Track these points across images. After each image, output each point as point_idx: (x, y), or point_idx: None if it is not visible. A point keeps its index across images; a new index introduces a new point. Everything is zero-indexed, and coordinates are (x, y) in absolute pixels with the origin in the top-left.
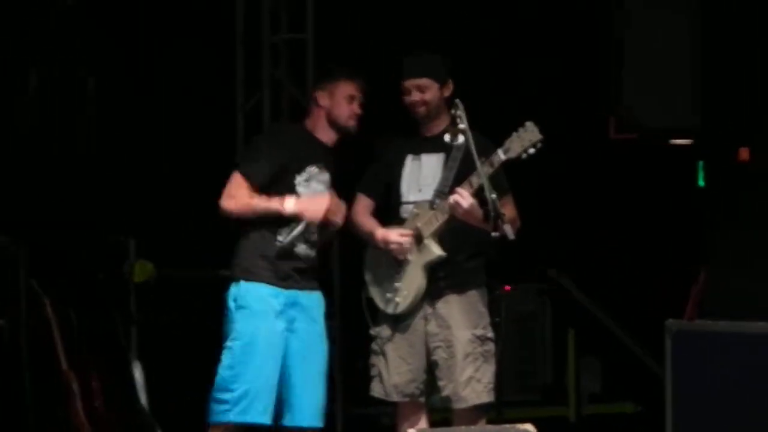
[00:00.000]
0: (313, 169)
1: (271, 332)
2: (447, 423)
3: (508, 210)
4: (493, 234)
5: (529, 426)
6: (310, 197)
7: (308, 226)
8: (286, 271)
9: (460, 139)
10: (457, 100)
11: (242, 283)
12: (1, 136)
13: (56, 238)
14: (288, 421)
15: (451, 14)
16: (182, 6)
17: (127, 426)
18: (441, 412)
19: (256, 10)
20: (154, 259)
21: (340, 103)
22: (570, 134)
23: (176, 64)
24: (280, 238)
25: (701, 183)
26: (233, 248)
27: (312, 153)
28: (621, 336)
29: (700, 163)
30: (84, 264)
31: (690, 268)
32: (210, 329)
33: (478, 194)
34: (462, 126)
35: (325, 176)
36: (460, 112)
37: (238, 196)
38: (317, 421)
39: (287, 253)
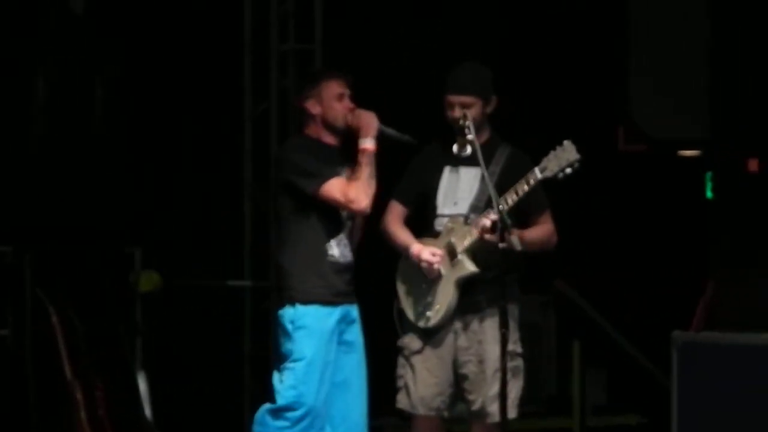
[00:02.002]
0: (342, 173)
1: (328, 351)
2: None
3: (544, 227)
4: (500, 245)
5: None
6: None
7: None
8: (339, 287)
9: (468, 149)
10: (466, 112)
11: (298, 306)
12: (7, 142)
13: (62, 247)
14: None
15: (458, 24)
16: (190, 14)
17: None
18: (458, 423)
19: (265, 19)
20: (160, 268)
21: (331, 106)
22: (578, 144)
23: (184, 73)
24: (331, 252)
25: (709, 194)
26: (277, 261)
27: (333, 160)
28: (626, 347)
29: (708, 175)
30: (90, 273)
31: (697, 279)
32: (215, 339)
33: (511, 209)
34: (470, 137)
35: (351, 171)
36: (469, 123)
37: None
38: None
39: (339, 266)
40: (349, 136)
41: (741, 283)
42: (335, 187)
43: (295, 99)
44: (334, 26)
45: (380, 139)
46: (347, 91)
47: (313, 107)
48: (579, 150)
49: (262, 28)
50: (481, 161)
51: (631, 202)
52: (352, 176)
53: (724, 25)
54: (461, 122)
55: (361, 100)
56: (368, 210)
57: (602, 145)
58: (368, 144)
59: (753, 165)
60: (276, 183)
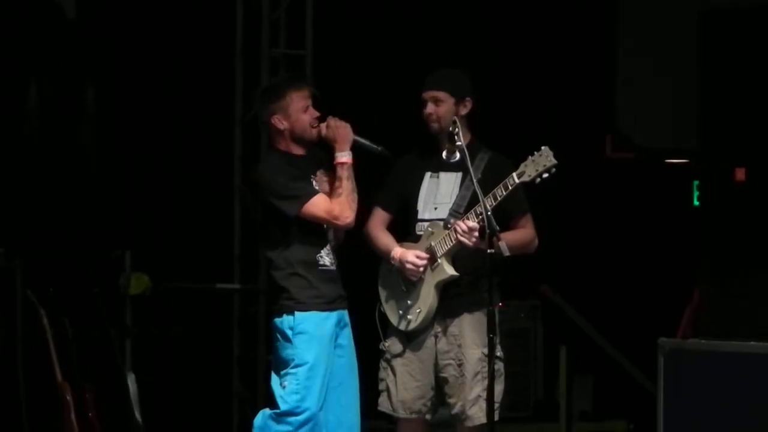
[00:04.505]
0: (314, 181)
1: (328, 356)
2: None
3: (524, 230)
4: (488, 251)
5: None
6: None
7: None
8: (332, 294)
9: (457, 155)
10: (455, 118)
11: (297, 313)
12: None
13: (53, 250)
14: None
15: (447, 32)
16: (182, 18)
17: None
18: (442, 428)
19: (256, 24)
20: (150, 271)
21: (299, 119)
22: (566, 152)
23: (175, 76)
24: (322, 261)
25: (696, 202)
26: (270, 275)
27: (306, 169)
28: (613, 354)
29: (695, 183)
30: (80, 276)
31: (684, 286)
32: (204, 342)
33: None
34: (459, 143)
35: (324, 177)
36: (458, 129)
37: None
38: None
39: (330, 275)
40: (322, 144)
41: (727, 291)
42: (318, 206)
43: (259, 115)
44: (325, 32)
45: (354, 149)
46: (310, 101)
47: (280, 123)
48: (563, 155)
49: (253, 32)
50: (470, 168)
51: (619, 209)
52: (333, 191)
53: (712, 35)
54: (451, 128)
55: (350, 106)
56: (353, 224)
57: (590, 153)
58: (345, 157)
59: (740, 174)
60: (259, 205)
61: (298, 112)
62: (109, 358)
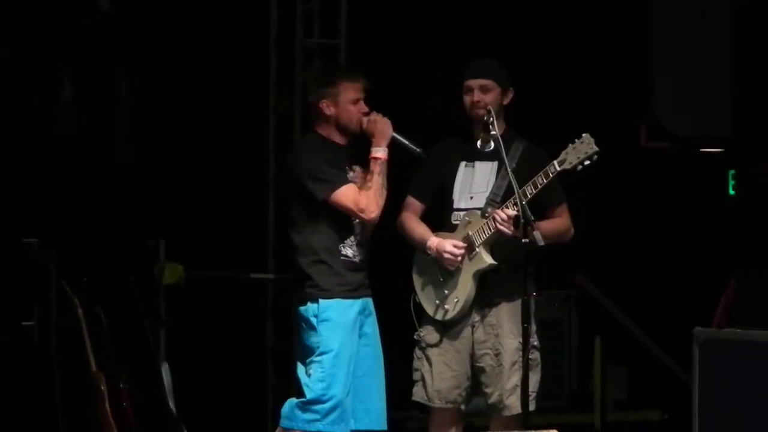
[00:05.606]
0: (350, 174)
1: (352, 343)
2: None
3: (560, 219)
4: (523, 240)
5: None
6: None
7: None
8: (355, 283)
9: (491, 145)
10: (489, 107)
11: (321, 301)
12: (34, 139)
13: (87, 241)
14: (356, 424)
15: (482, 21)
16: (215, 9)
17: (155, 428)
18: (476, 417)
19: (290, 14)
20: (184, 261)
21: (346, 110)
22: (600, 141)
23: (208, 68)
24: (344, 252)
25: (731, 192)
26: (295, 263)
27: (342, 160)
28: (647, 343)
29: (731, 172)
30: (114, 266)
31: (719, 276)
32: (238, 332)
33: (529, 202)
34: (493, 132)
35: (358, 170)
36: (492, 119)
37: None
38: (383, 425)
39: (353, 265)
40: (361, 139)
41: (763, 280)
42: (347, 196)
43: (308, 94)
44: (359, 22)
45: (393, 147)
46: (363, 95)
47: (328, 108)
48: (598, 144)
49: (287, 23)
50: (505, 157)
51: (653, 198)
52: (363, 184)
53: (746, 24)
54: (485, 118)
55: (384, 96)
56: (377, 220)
57: (624, 142)
58: (381, 153)
59: None
60: (289, 187)
61: (347, 102)
62: (143, 348)
